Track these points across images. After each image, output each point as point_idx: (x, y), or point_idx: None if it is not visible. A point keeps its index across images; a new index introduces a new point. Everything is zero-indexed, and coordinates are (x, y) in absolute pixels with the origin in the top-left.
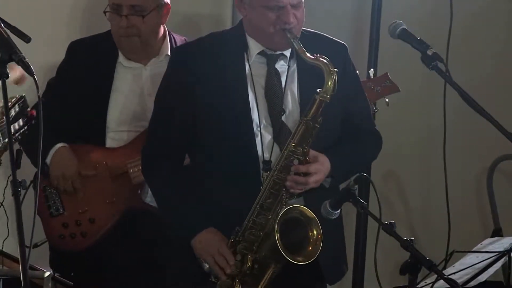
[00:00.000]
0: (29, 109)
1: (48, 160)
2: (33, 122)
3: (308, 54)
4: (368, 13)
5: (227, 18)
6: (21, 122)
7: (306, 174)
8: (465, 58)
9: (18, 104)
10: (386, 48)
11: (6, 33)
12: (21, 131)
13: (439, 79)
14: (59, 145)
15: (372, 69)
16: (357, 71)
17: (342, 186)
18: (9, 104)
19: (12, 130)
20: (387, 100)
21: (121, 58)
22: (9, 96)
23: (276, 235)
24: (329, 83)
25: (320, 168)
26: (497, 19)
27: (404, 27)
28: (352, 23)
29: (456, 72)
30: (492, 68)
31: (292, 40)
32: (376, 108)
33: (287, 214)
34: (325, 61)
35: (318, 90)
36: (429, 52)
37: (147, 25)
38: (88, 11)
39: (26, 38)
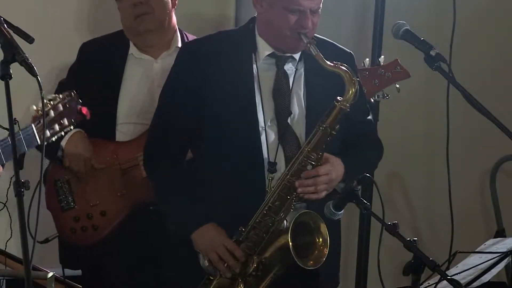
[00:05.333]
0: (79, 106)
1: (63, 143)
2: (83, 119)
3: (328, 62)
4: (371, 14)
5: (230, 18)
6: (66, 121)
7: (316, 177)
8: (469, 58)
9: (63, 103)
10: (389, 48)
11: (9, 33)
12: (65, 130)
13: (442, 80)
14: (75, 130)
15: (382, 56)
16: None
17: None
18: (51, 103)
19: (54, 130)
20: (397, 86)
21: (132, 49)
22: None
23: (289, 238)
24: (350, 92)
25: (330, 169)
26: (500, 19)
27: (407, 27)
28: (355, 24)
29: (459, 72)
30: (495, 69)
31: (309, 46)
32: (387, 95)
33: (299, 218)
34: (345, 69)
35: (338, 98)
36: (432, 53)
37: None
38: (94, 12)
39: (29, 39)
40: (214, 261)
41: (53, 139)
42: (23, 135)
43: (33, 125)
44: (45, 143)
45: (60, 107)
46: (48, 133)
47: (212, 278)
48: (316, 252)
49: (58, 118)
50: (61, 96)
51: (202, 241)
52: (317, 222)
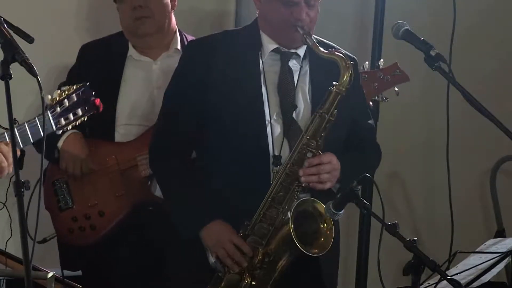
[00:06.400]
0: (93, 98)
1: (60, 144)
2: (96, 111)
3: (322, 49)
4: (372, 14)
5: (230, 15)
6: (79, 111)
7: (319, 165)
8: (469, 58)
9: (77, 94)
10: (389, 49)
11: (9, 33)
12: (79, 120)
13: (442, 80)
14: (72, 131)
15: (381, 59)
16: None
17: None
18: (65, 93)
19: (69, 120)
20: (396, 89)
21: (131, 51)
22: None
23: (291, 226)
24: (345, 76)
25: (333, 158)
26: (500, 19)
27: (407, 27)
28: (355, 24)
29: (459, 72)
30: (495, 69)
31: (305, 36)
32: (386, 98)
33: (300, 206)
34: (341, 55)
35: (334, 82)
36: (432, 53)
37: (159, 3)
38: (93, 12)
39: (29, 39)
40: (221, 257)
41: (69, 127)
42: (29, 127)
43: (49, 112)
44: (60, 131)
45: (74, 97)
46: (63, 121)
47: (220, 275)
48: (322, 239)
49: (72, 108)
50: (75, 86)
51: (210, 238)
52: (317, 207)
